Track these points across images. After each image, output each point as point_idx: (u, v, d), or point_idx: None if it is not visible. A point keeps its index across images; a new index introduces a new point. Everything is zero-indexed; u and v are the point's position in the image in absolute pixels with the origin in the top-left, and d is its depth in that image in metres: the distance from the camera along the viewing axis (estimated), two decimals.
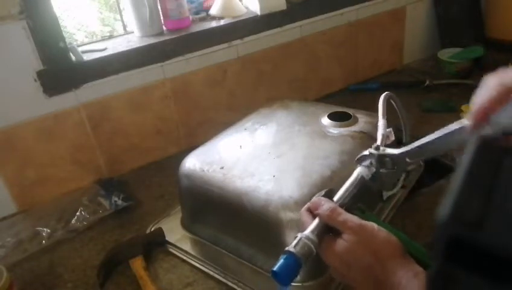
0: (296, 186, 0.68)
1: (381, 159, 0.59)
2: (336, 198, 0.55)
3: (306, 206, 0.54)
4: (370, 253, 0.47)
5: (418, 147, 0.54)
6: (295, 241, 0.50)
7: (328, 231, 0.51)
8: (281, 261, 0.49)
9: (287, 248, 0.50)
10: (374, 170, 0.58)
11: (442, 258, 0.21)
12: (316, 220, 0.52)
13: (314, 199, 0.54)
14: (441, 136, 0.51)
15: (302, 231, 0.52)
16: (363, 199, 0.58)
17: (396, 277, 0.45)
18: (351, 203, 0.55)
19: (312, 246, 0.49)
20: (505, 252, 0.19)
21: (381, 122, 0.69)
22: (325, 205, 0.52)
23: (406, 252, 0.48)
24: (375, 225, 0.49)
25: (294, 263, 0.49)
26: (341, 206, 0.53)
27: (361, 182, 0.56)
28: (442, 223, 0.21)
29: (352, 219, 0.50)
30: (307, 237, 0.50)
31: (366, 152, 0.60)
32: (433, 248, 0.21)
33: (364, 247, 0.47)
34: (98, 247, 0.84)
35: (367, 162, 0.59)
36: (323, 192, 0.55)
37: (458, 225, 0.21)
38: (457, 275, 0.21)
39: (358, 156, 0.61)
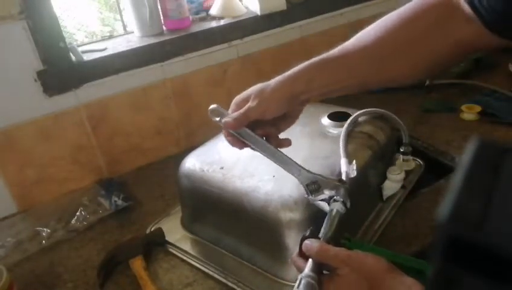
0: (296, 186, 0.67)
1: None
2: (320, 236, 0.57)
3: (296, 252, 0.57)
4: (364, 277, 0.51)
5: None
6: (297, 283, 0.51)
7: (322, 270, 0.53)
8: None
9: None
10: (346, 204, 0.60)
11: (442, 259, 0.21)
12: (311, 260, 0.54)
13: (305, 241, 0.56)
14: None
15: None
16: (345, 229, 0.61)
17: None
18: (336, 236, 0.58)
19: (314, 283, 0.51)
20: (505, 252, 0.19)
21: (343, 160, 0.71)
22: (314, 245, 0.54)
23: (394, 267, 0.52)
24: (360, 252, 0.53)
25: None
26: (328, 241, 0.56)
27: (338, 216, 0.59)
28: (442, 223, 0.21)
29: (341, 251, 0.53)
30: (308, 276, 0.51)
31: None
32: (432, 248, 0.21)
33: (358, 274, 0.51)
34: (98, 247, 0.84)
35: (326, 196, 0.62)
36: (308, 231, 0.57)
37: (458, 225, 0.21)
38: (457, 276, 0.21)
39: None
